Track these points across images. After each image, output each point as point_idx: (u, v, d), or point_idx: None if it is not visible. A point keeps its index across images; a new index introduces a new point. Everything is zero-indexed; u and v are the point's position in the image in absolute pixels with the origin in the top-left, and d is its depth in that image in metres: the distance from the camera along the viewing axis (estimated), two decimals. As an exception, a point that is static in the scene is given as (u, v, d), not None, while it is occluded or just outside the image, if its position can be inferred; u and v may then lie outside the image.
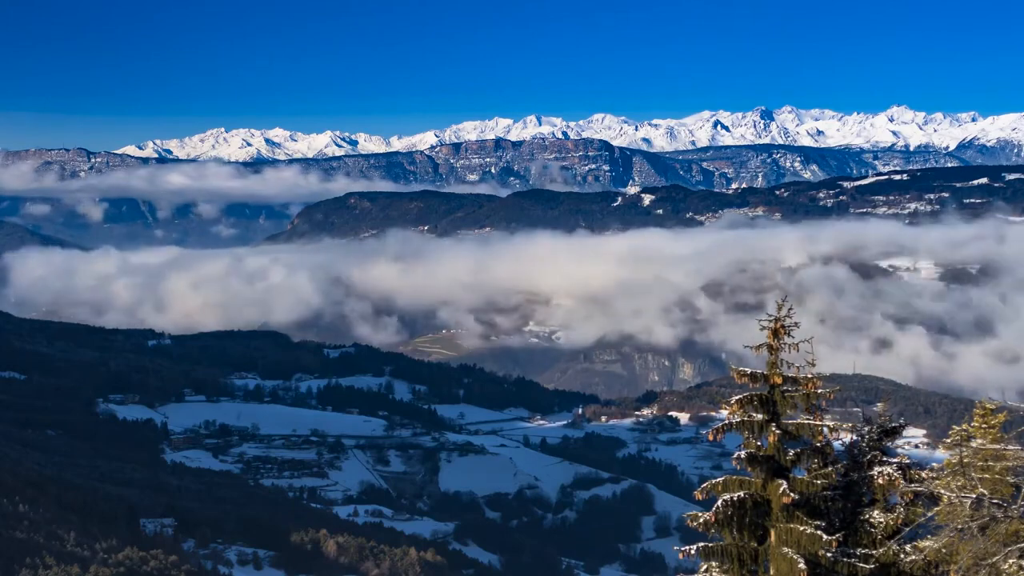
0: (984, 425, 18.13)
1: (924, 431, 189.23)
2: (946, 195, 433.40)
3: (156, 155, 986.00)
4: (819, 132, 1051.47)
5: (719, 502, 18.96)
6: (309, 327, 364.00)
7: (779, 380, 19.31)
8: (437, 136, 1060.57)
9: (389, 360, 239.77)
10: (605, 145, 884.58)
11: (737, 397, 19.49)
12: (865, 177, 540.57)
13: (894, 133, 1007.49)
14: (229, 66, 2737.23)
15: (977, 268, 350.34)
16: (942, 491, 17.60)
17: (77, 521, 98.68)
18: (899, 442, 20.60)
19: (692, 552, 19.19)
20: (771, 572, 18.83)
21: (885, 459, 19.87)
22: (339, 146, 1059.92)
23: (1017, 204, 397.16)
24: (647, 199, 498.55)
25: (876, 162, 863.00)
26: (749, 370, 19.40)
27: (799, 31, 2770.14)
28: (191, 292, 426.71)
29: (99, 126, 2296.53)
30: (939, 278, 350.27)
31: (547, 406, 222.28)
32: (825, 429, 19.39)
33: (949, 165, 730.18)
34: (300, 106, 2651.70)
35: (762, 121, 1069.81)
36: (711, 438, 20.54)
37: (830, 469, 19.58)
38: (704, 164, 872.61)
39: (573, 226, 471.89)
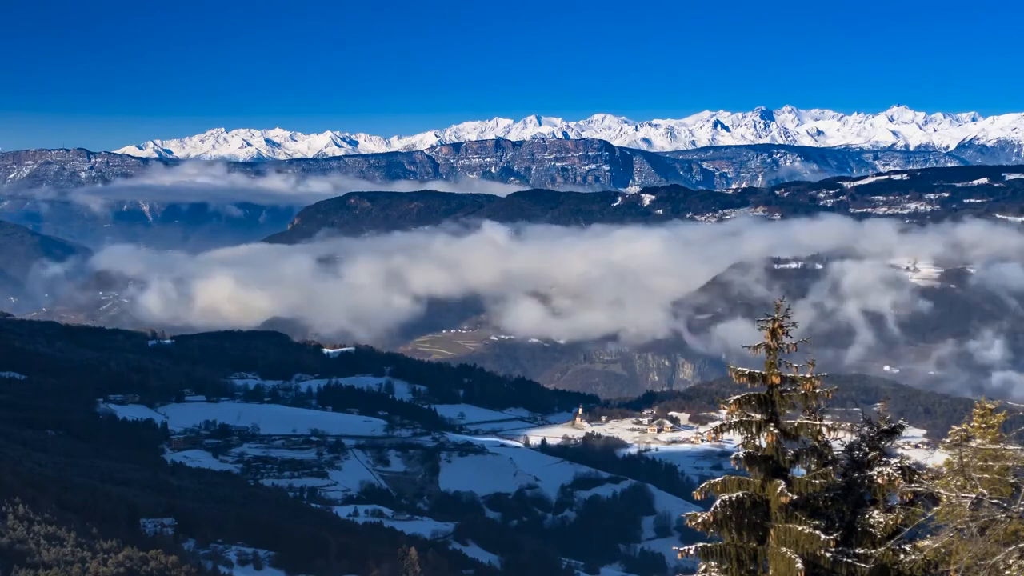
0: (983, 425, 18.11)
1: (924, 431, 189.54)
2: (946, 195, 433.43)
3: (156, 155, 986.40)
4: (819, 132, 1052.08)
5: (717, 502, 18.94)
6: (309, 327, 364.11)
7: (777, 380, 19.30)
8: (437, 136, 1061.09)
9: (389, 360, 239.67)
10: (605, 145, 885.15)
11: (735, 397, 19.48)
12: (865, 177, 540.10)
13: (894, 133, 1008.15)
14: (229, 66, 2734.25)
15: (977, 268, 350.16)
16: (942, 491, 17.57)
17: (77, 521, 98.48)
18: (899, 442, 20.56)
19: (691, 552, 19.18)
20: (770, 572, 18.81)
21: (885, 459, 19.84)
22: (339, 146, 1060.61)
23: (1017, 204, 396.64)
24: (647, 199, 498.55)
25: (876, 162, 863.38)
26: (747, 370, 19.38)
27: (799, 31, 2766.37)
28: (191, 292, 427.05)
29: (99, 126, 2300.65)
30: (939, 278, 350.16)
31: (547, 406, 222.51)
32: (824, 429, 19.37)
33: (949, 165, 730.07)
34: (300, 106, 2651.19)
35: (762, 121, 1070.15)
36: (710, 438, 20.55)
37: (829, 469, 19.55)
38: (704, 164, 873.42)
39: (573, 226, 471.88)
